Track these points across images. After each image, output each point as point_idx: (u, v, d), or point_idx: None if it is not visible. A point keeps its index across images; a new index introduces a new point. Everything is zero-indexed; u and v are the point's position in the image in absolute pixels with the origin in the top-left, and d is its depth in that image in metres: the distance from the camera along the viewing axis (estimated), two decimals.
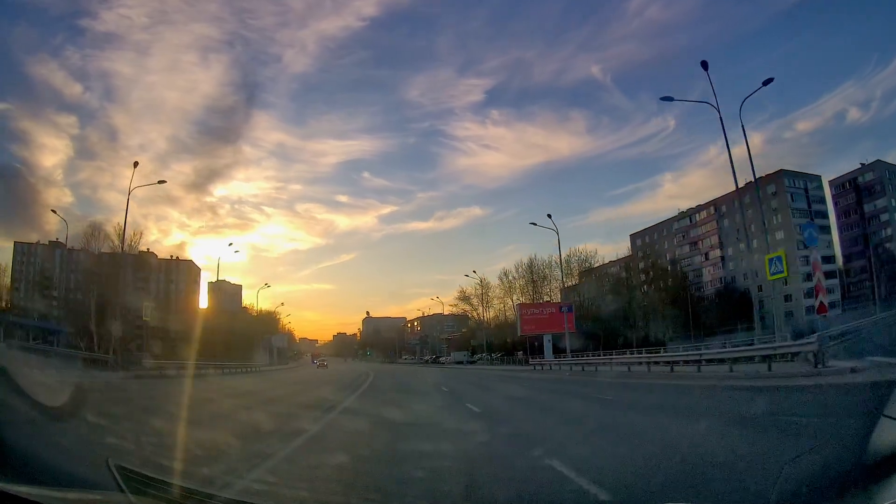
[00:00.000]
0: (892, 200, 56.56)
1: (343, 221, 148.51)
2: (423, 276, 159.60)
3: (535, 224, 40.50)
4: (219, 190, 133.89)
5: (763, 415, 8.19)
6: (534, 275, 65.01)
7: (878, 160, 57.38)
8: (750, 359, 18.25)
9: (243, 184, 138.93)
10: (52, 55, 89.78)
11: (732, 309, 53.76)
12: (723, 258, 63.32)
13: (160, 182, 33.89)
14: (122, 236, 32.24)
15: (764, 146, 79.05)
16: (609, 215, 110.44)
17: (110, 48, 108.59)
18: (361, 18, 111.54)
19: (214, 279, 63.84)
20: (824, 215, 59.27)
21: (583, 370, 29.72)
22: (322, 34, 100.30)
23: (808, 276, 52.89)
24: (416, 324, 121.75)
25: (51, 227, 69.79)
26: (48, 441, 3.90)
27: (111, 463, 2.58)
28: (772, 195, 55.83)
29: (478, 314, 72.73)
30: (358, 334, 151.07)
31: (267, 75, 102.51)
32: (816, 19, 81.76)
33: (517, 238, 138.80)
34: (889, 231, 55.96)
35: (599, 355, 39.38)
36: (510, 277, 68.06)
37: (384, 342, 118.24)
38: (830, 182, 60.69)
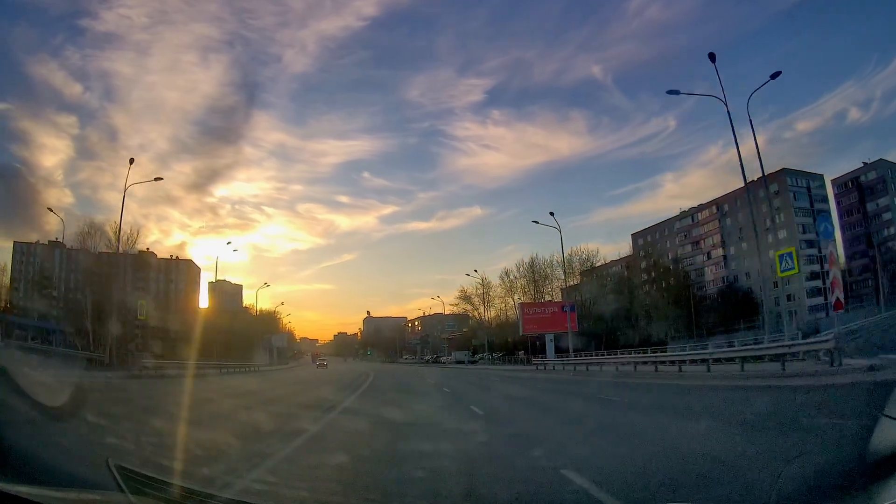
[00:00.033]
0: (895, 199, 56.48)
1: (344, 222, 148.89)
2: (424, 276, 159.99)
3: (537, 222, 40.35)
4: (219, 190, 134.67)
5: (800, 418, 7.40)
6: (535, 274, 65.07)
7: (881, 159, 57.20)
8: (759, 358, 17.75)
9: (244, 184, 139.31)
10: (52, 55, 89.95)
11: (735, 308, 53.73)
12: (725, 257, 63.24)
13: (156, 179, 34.10)
14: (118, 234, 32.18)
15: (764, 146, 79.28)
16: (609, 215, 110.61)
17: (110, 48, 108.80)
18: (361, 18, 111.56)
19: (216, 279, 63.93)
20: (827, 214, 59.18)
21: (587, 370, 29.29)
22: (322, 34, 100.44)
23: (813, 275, 52.89)
24: (416, 323, 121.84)
25: (51, 227, 70.07)
26: (48, 441, 3.90)
27: (111, 463, 2.59)
28: (774, 194, 55.74)
29: (479, 314, 72.78)
30: (359, 334, 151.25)
31: (267, 75, 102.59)
32: (816, 19, 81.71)
33: (517, 238, 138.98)
34: (892, 230, 55.83)
35: (603, 354, 39.17)
36: (511, 277, 68.13)
37: (385, 342, 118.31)
38: (833, 181, 60.58)
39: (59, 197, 72.22)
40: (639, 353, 30.86)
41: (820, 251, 55.02)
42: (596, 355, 38.51)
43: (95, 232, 45.22)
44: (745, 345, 22.18)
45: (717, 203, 64.10)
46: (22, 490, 1.87)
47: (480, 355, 67.71)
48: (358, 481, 4.61)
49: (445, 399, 15.09)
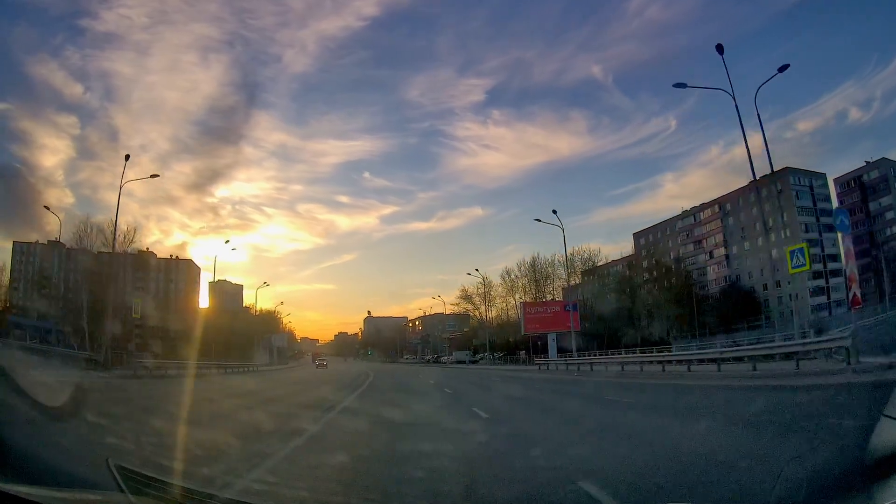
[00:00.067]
0: None
1: (344, 222, 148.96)
2: (425, 276, 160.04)
3: (539, 220, 39.77)
4: (220, 190, 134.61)
5: (837, 423, 6.47)
6: (536, 274, 65.09)
7: (884, 158, 57.01)
8: (771, 357, 17.20)
9: (244, 184, 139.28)
10: (52, 55, 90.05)
11: (737, 307, 53.74)
12: (727, 256, 63.16)
13: (153, 176, 34.15)
14: (113, 231, 32.10)
15: (765, 145, 78.65)
16: (610, 215, 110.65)
17: (110, 48, 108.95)
18: (361, 18, 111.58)
19: (215, 279, 63.99)
20: (829, 213, 59.03)
21: (591, 369, 28.71)
22: (322, 34, 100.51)
23: (815, 274, 52.79)
24: (417, 323, 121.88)
25: (52, 227, 70.07)
26: (48, 441, 3.91)
27: (111, 463, 2.59)
28: (778, 192, 55.65)
29: (480, 313, 72.78)
30: (359, 334, 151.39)
31: (267, 75, 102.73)
32: (816, 19, 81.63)
33: (518, 238, 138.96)
34: (895, 229, 55.75)
35: (607, 354, 38.79)
36: (513, 276, 68.19)
37: (385, 342, 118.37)
38: (835, 180, 60.46)
39: (59, 197, 72.48)
40: (643, 353, 30.11)
41: (823, 250, 54.99)
42: (599, 355, 38.08)
43: (92, 230, 45.33)
44: (755, 343, 21.70)
45: (719, 202, 64.04)
46: (22, 490, 1.87)
47: (481, 355, 67.68)
48: (358, 481, 4.61)
49: (445, 399, 15.02)
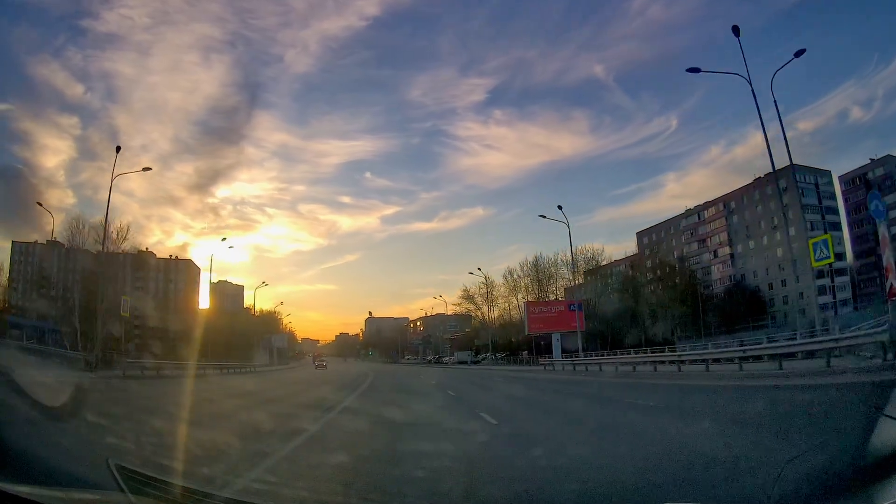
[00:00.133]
0: None
1: (346, 222, 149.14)
2: (426, 277, 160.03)
3: (544, 217, 38.74)
4: (221, 191, 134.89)
5: None
6: (539, 273, 64.80)
7: (889, 155, 56.45)
8: (791, 355, 16.40)
9: (246, 185, 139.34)
10: (53, 56, 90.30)
11: (743, 306, 53.44)
12: (732, 255, 62.82)
13: (145, 169, 33.47)
14: (105, 226, 31.72)
15: (769, 144, 78.40)
16: (612, 215, 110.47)
17: (112, 49, 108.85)
18: (363, 18, 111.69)
19: (215, 279, 63.94)
20: (834, 211, 58.71)
21: (600, 369, 27.87)
22: (324, 34, 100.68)
23: (819, 274, 52.46)
24: (418, 324, 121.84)
25: (50, 226, 70.34)
26: (48, 441, 3.91)
27: (111, 463, 2.59)
28: (783, 190, 55.39)
29: (482, 313, 72.70)
30: (360, 334, 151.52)
31: (269, 75, 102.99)
32: (816, 19, 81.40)
33: (520, 238, 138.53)
34: None
35: (614, 353, 37.97)
36: (515, 276, 67.93)
37: (386, 342, 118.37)
38: (840, 177, 59.83)
39: (61, 197, 72.73)
40: (653, 353, 28.65)
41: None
42: (608, 354, 36.98)
43: (85, 227, 45.20)
44: (773, 342, 20.09)
45: (723, 200, 63.69)
46: (22, 490, 1.88)
47: (483, 355, 67.63)
48: (358, 481, 4.60)
49: (446, 400, 14.92)
